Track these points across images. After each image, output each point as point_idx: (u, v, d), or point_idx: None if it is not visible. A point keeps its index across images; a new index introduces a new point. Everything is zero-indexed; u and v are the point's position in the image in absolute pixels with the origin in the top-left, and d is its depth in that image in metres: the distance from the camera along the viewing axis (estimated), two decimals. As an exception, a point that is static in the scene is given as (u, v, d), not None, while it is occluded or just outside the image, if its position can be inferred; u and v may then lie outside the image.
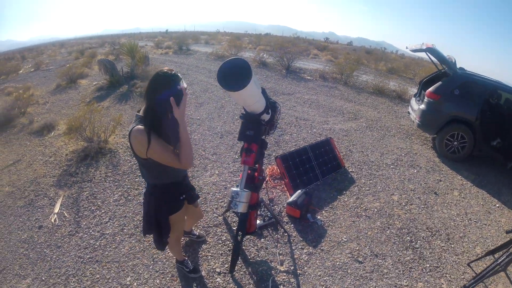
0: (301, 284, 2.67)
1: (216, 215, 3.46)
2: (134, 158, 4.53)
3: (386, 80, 10.37)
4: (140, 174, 4.12)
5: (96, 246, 3.01)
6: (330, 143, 4.79)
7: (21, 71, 13.87)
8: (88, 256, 2.90)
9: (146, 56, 10.71)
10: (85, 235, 3.16)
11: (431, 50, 5.51)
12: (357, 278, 2.80)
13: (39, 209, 3.61)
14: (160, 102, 1.72)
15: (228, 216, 3.44)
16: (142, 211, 2.31)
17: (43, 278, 2.68)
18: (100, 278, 2.66)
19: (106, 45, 22.98)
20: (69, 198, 3.77)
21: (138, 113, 1.87)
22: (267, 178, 4.24)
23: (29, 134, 5.81)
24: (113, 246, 3.01)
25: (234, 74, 1.95)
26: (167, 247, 2.38)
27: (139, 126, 1.77)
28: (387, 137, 6.28)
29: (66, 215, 3.47)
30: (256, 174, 2.50)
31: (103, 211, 3.50)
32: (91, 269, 2.76)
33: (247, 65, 1.95)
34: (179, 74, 1.78)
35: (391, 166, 5.04)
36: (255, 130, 2.29)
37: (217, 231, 3.23)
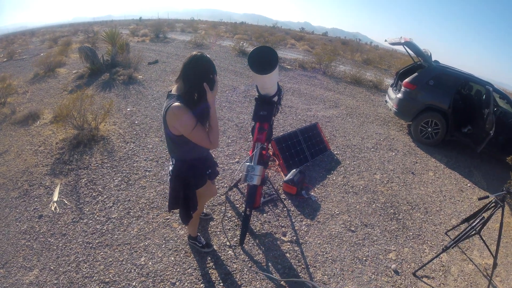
0: (304, 252, 2.96)
1: (219, 194, 3.63)
2: (128, 144, 4.63)
3: (363, 71, 10.87)
4: (138, 160, 4.24)
5: (103, 231, 3.02)
6: (316, 127, 5.10)
7: (-8, 61, 13.12)
8: (97, 241, 2.90)
9: (127, 43, 10.53)
10: (91, 221, 3.16)
11: (408, 44, 5.94)
12: (352, 244, 3.15)
13: (35, 199, 3.53)
14: (206, 85, 1.91)
15: (230, 195, 3.64)
16: (168, 187, 2.37)
17: (52, 268, 2.65)
18: (113, 261, 2.69)
19: (79, 33, 22.01)
20: (66, 186, 3.73)
21: (170, 92, 2.03)
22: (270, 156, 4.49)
23: (12, 124, 5.60)
24: (122, 229, 3.04)
25: (262, 59, 2.24)
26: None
27: (177, 103, 1.89)
28: (366, 124, 6.71)
29: (66, 202, 3.43)
30: (263, 151, 2.70)
31: (105, 197, 3.52)
32: (102, 253, 2.77)
33: (274, 52, 2.24)
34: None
35: (372, 149, 5.44)
36: (268, 110, 2.54)
37: (222, 209, 3.41)
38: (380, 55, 18.95)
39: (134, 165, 4.15)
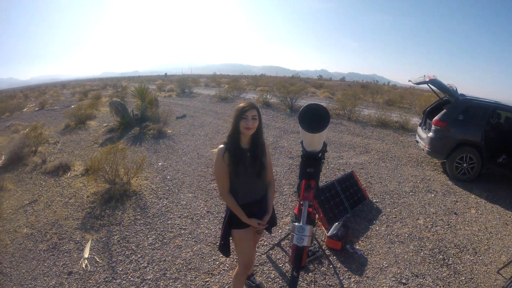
0: (357, 310, 3.01)
1: (259, 254, 3.63)
2: (161, 200, 4.83)
3: (387, 112, 11.10)
4: (172, 217, 4.38)
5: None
6: (353, 176, 5.25)
7: (25, 110, 14.15)
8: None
9: (155, 99, 11.14)
10: (124, 281, 3.11)
11: (433, 82, 6.16)
12: (405, 297, 3.18)
13: (65, 254, 3.49)
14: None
15: (272, 253, 3.70)
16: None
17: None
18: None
19: (108, 87, 23.47)
20: (98, 242, 3.72)
21: None
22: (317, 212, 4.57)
23: (43, 174, 5.80)
24: (158, 293, 3.08)
25: (313, 117, 2.35)
26: (232, 278, 2.62)
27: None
28: (400, 167, 6.80)
29: (98, 260, 3.39)
30: (310, 209, 2.70)
31: (139, 256, 3.50)
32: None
33: (326, 110, 2.37)
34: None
35: (410, 193, 5.50)
36: (315, 167, 2.66)
37: (264, 269, 3.40)
38: (400, 94, 19.24)
39: (168, 222, 4.22)
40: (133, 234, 3.93)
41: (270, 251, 3.74)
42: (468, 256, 3.88)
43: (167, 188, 5.33)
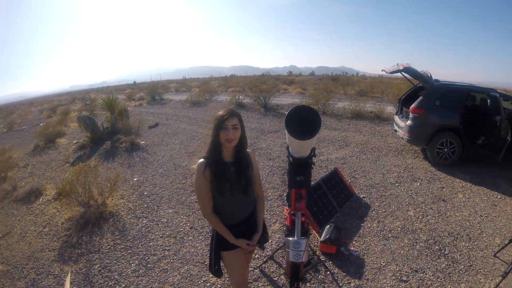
0: (362, 316, 2.89)
1: (252, 268, 3.44)
2: (140, 220, 4.58)
3: (361, 103, 11.21)
4: (153, 237, 4.14)
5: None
6: (337, 173, 5.15)
7: (-8, 132, 13.53)
8: None
9: (125, 109, 10.81)
10: None
11: (407, 69, 6.18)
12: (408, 296, 3.08)
13: None
14: None
15: (265, 267, 3.52)
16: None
17: None
18: None
19: (76, 101, 22.91)
20: (78, 274, 3.49)
21: None
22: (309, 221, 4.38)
23: (14, 202, 5.48)
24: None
25: (301, 122, 2.08)
26: None
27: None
28: (381, 157, 6.81)
29: None
30: (303, 218, 2.51)
31: (123, 286, 3.29)
32: None
33: (316, 113, 2.10)
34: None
35: (396, 184, 5.48)
36: (305, 174, 2.43)
37: (259, 285, 3.22)
38: (370, 84, 19.65)
39: (151, 244, 4.00)
40: (114, 261, 3.69)
41: (263, 265, 3.55)
42: (463, 243, 3.86)
43: (145, 205, 5.07)
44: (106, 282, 3.35)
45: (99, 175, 5.36)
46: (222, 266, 2.32)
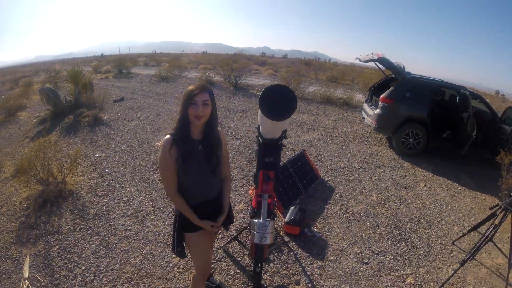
0: (323, 297, 2.88)
1: (215, 249, 3.37)
2: (101, 198, 4.35)
3: (332, 89, 11.28)
4: (114, 217, 3.93)
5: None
6: (304, 156, 5.12)
7: None
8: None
9: (90, 82, 10.30)
10: None
11: (381, 60, 6.21)
12: (369, 278, 3.11)
13: (3, 276, 3.07)
14: None
15: (228, 247, 3.43)
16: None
17: None
18: None
19: (41, 72, 21.54)
20: (37, 257, 3.28)
21: None
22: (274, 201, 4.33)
23: None
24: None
25: (276, 101, 1.96)
26: (190, 284, 2.34)
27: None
28: (348, 143, 6.88)
29: (39, 279, 3.00)
30: (269, 200, 2.47)
31: (83, 268, 3.12)
32: None
33: (292, 93, 1.99)
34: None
35: (360, 170, 5.55)
36: (274, 156, 2.36)
37: (222, 265, 3.15)
38: (342, 71, 19.93)
39: (111, 224, 3.81)
40: (74, 242, 3.49)
41: (227, 245, 3.45)
42: (423, 229, 3.97)
43: (107, 183, 4.77)
44: (66, 265, 3.18)
45: (59, 151, 5.06)
46: (185, 246, 2.19)
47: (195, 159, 1.93)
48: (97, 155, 5.75)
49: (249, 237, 2.92)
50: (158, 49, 51.05)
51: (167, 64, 18.44)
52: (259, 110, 2.02)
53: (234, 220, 3.16)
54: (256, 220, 2.23)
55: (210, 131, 2.00)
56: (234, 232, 3.57)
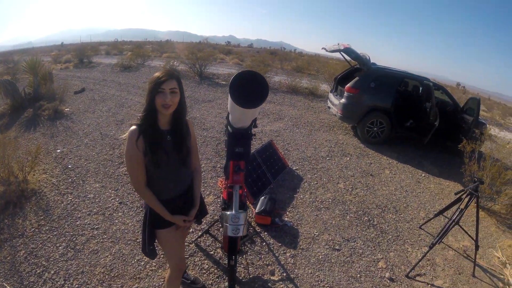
0: (299, 286, 2.86)
1: (188, 243, 3.26)
2: (65, 197, 4.09)
3: (298, 79, 11.34)
4: (80, 216, 3.70)
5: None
6: (272, 145, 5.10)
7: None
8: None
9: (49, 72, 9.55)
10: None
11: (347, 50, 6.29)
12: (342, 264, 3.15)
13: None
14: None
15: (200, 241, 3.33)
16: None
17: None
18: None
19: None
20: (3, 264, 3.07)
21: None
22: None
23: None
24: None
25: (247, 89, 1.90)
26: (164, 282, 2.26)
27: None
28: (314, 132, 6.95)
29: (7, 287, 2.81)
30: (240, 191, 2.42)
31: (52, 272, 2.94)
32: None
33: (264, 80, 1.93)
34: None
35: (327, 158, 5.62)
36: (244, 146, 2.31)
37: (195, 260, 3.05)
38: (307, 61, 20.14)
39: (77, 223, 3.59)
40: (40, 245, 3.28)
41: (199, 239, 3.34)
42: (390, 215, 4.09)
43: (70, 180, 4.45)
44: (34, 270, 2.97)
45: (19, 148, 4.73)
46: (156, 244, 2.07)
47: (164, 150, 1.81)
48: (58, 151, 5.35)
49: (222, 230, 2.83)
50: (120, 37, 48.64)
51: (130, 53, 17.66)
52: (229, 98, 1.94)
53: (208, 212, 3.07)
54: (228, 212, 2.17)
55: (179, 121, 1.88)
56: (205, 225, 3.45)
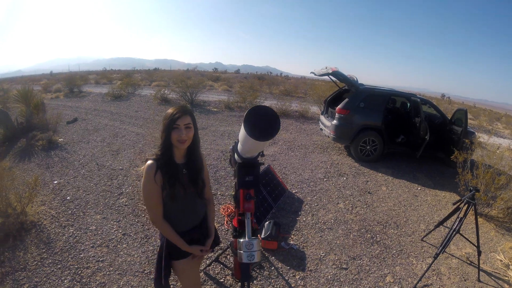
0: (310, 307, 2.94)
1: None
2: (66, 229, 4.07)
3: (287, 103, 11.67)
4: (84, 248, 3.70)
5: None
6: (270, 170, 5.23)
7: None
8: None
9: (42, 102, 9.60)
10: None
11: (335, 73, 6.61)
12: (351, 282, 3.24)
13: None
14: None
15: (209, 269, 3.37)
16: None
17: None
18: None
19: None
20: None
21: None
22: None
23: None
24: None
25: (261, 123, 1.98)
26: None
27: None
28: (309, 154, 7.13)
29: None
30: (251, 217, 2.58)
31: None
32: None
33: (276, 114, 2.03)
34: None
35: (324, 179, 5.78)
36: (254, 174, 2.38)
37: None
38: (294, 85, 20.75)
39: (81, 256, 3.56)
40: (45, 279, 3.20)
41: (207, 267, 3.38)
42: (392, 230, 4.24)
43: (70, 212, 4.45)
44: None
45: (15, 179, 4.64)
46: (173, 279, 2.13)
47: (181, 183, 1.91)
48: (55, 182, 5.36)
49: (235, 257, 2.90)
50: (109, 66, 49.18)
51: (119, 82, 17.95)
52: (242, 131, 2.05)
53: (221, 241, 3.15)
54: (241, 240, 2.20)
55: (194, 154, 1.99)
56: (213, 254, 3.51)
